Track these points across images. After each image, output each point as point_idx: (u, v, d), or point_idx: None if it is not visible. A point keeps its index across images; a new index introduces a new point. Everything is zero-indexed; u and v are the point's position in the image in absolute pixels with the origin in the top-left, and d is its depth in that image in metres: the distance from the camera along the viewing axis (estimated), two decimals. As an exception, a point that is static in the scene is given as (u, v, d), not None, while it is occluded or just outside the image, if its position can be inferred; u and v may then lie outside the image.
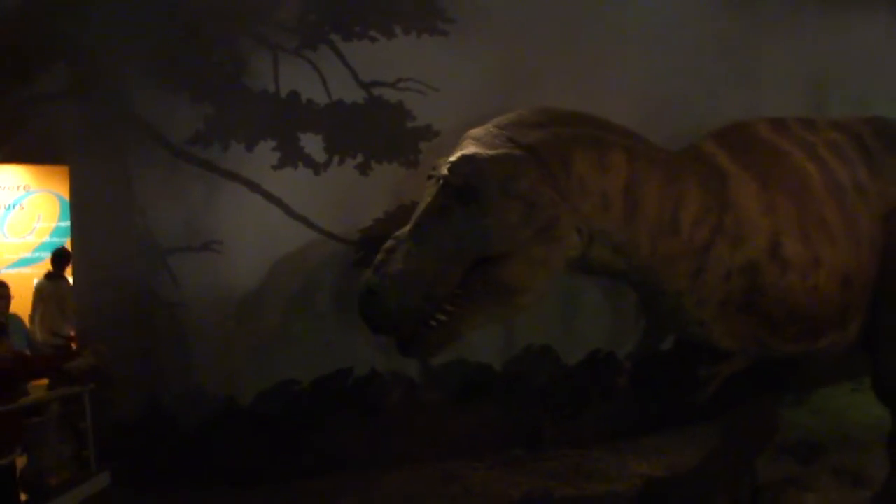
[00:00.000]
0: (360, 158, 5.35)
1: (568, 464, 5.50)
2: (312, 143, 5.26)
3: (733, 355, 4.21)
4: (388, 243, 3.57)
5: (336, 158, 5.30)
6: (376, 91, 5.34)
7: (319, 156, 5.27)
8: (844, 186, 4.27)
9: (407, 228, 3.61)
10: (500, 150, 3.59)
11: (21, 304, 4.96)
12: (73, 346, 4.94)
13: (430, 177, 3.81)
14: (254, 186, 5.15)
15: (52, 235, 5.39)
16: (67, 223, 5.31)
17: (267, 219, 5.20)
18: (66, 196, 5.24)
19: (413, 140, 5.41)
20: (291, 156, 5.21)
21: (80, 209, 4.90)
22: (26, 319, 5.20)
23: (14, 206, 5.32)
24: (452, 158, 3.57)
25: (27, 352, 4.84)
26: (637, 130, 3.83)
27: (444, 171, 3.56)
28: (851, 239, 4.19)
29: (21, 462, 4.47)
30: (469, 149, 3.59)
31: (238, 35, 5.02)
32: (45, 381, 4.88)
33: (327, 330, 5.36)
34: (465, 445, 5.61)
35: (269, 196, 5.18)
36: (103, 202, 4.92)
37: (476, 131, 3.73)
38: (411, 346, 3.69)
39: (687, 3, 6.08)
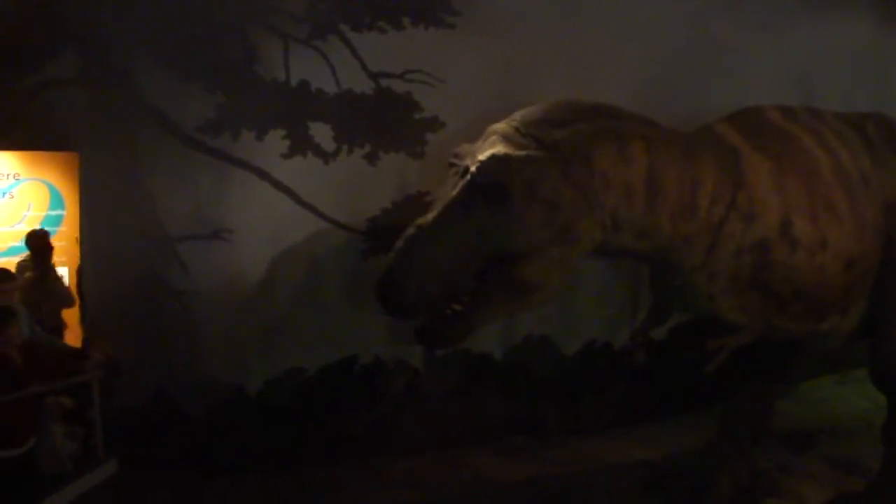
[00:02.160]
0: (367, 148, 5.36)
1: (569, 450, 5.64)
2: (322, 133, 5.25)
3: (739, 330, 4.34)
4: (410, 230, 3.72)
5: (345, 148, 5.31)
6: (384, 82, 5.35)
7: (328, 145, 5.27)
8: (850, 173, 4.46)
9: (429, 217, 3.75)
10: (527, 152, 3.71)
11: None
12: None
13: (451, 164, 3.94)
14: (263, 175, 5.14)
15: (42, 224, 5.32)
16: (58, 212, 5.24)
17: (276, 207, 5.19)
18: (57, 185, 5.18)
19: (420, 131, 5.44)
20: (301, 145, 5.21)
21: (90, 197, 4.84)
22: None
23: (4, 195, 5.25)
24: (482, 157, 3.70)
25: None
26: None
27: (473, 168, 3.68)
28: (856, 223, 4.38)
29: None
30: (498, 148, 3.73)
31: (249, 24, 4.98)
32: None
33: (334, 318, 5.39)
34: (469, 433, 5.70)
35: (278, 185, 5.18)
36: (113, 190, 4.87)
37: (501, 127, 3.87)
38: (431, 337, 3.97)
39: (681, 3, 6.22)
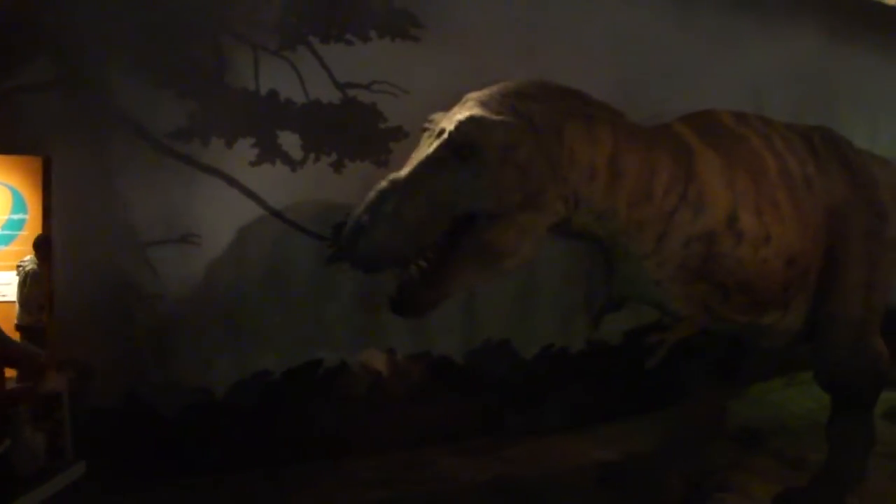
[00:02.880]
0: (334, 156, 5.48)
1: (529, 450, 5.80)
2: (289, 141, 5.36)
3: (679, 323, 4.52)
4: (383, 184, 3.76)
5: (312, 156, 5.42)
6: (351, 92, 5.49)
7: (296, 153, 5.38)
8: (795, 176, 4.71)
9: (402, 173, 3.79)
10: (503, 117, 3.81)
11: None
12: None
13: (424, 129, 4.04)
14: (232, 181, 5.23)
15: (4, 228, 5.35)
16: (20, 216, 5.27)
17: (244, 213, 5.28)
18: (20, 189, 5.21)
19: (384, 140, 5.57)
20: (269, 153, 5.31)
21: (61, 201, 4.88)
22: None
23: (-35, 199, 5.27)
24: (460, 117, 3.77)
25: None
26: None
27: (451, 127, 3.75)
28: (798, 222, 4.62)
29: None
30: (476, 111, 3.82)
31: (221, 34, 5.08)
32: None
33: (300, 322, 5.49)
34: (431, 434, 5.83)
35: (246, 191, 5.27)
36: (85, 195, 4.92)
37: (479, 94, 3.99)
38: (404, 304, 3.89)
39: (639, 17, 6.43)
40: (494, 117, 3.81)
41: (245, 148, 5.26)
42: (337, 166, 5.50)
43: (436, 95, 5.54)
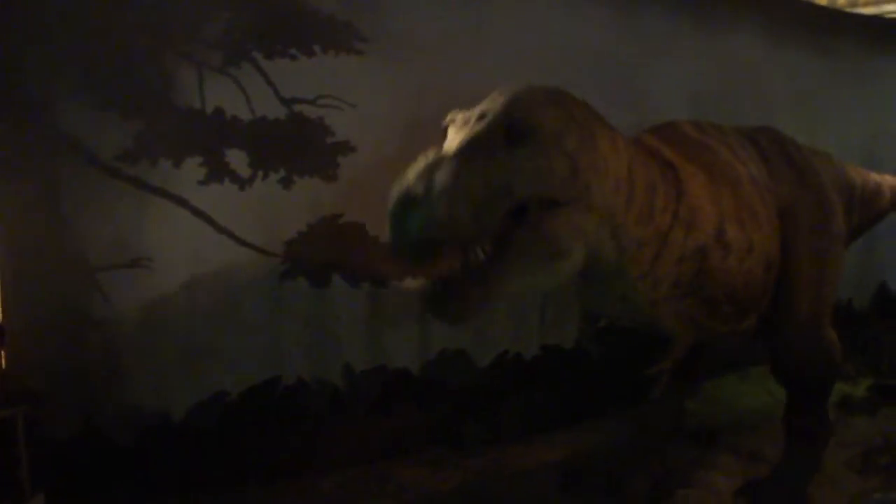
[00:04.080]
0: (282, 173, 5.43)
1: (489, 459, 5.79)
2: (237, 159, 5.30)
3: (671, 348, 4.55)
4: (429, 159, 3.41)
5: (260, 173, 5.37)
6: (297, 107, 5.45)
7: (244, 171, 5.32)
8: (759, 181, 4.75)
9: (448, 151, 3.47)
10: (554, 108, 3.65)
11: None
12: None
13: (447, 128, 3.81)
14: (181, 202, 5.13)
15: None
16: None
17: (194, 234, 5.19)
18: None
19: (332, 155, 5.53)
20: (217, 171, 5.24)
21: (7, 226, 4.78)
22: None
23: None
24: (509, 98, 3.58)
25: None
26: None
27: (500, 107, 3.54)
28: (770, 227, 4.67)
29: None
30: (516, 94, 3.64)
31: (164, 52, 5.01)
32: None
33: (255, 340, 5.44)
34: (391, 447, 5.81)
35: (196, 211, 5.18)
36: (31, 220, 4.81)
37: (513, 87, 3.74)
38: (449, 305, 3.48)
39: (585, 27, 6.51)
40: (544, 100, 3.65)
41: (193, 168, 5.18)
42: (286, 182, 5.45)
43: (382, 108, 5.62)
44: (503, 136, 3.49)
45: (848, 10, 13.90)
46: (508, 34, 6.04)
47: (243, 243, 5.38)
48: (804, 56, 8.12)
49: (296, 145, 5.50)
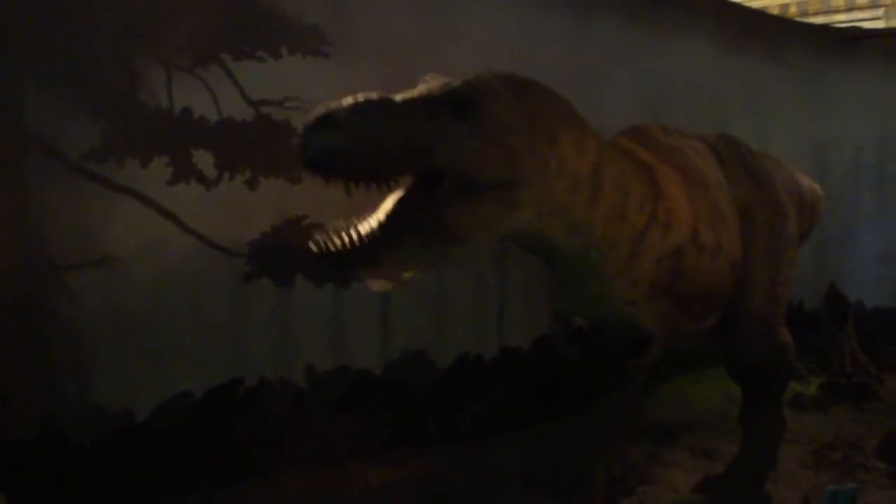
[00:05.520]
0: (248, 174, 5.45)
1: (452, 458, 5.86)
2: (204, 159, 5.31)
3: (647, 352, 4.65)
4: (371, 95, 3.33)
5: (226, 174, 5.38)
6: (264, 109, 5.48)
7: (210, 171, 5.33)
8: (721, 183, 4.89)
9: (393, 97, 3.43)
10: (510, 97, 3.59)
11: None
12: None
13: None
14: (148, 202, 5.12)
15: None
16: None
17: (161, 234, 5.18)
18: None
19: (298, 156, 5.54)
20: (184, 171, 5.24)
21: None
22: None
23: None
24: (477, 76, 3.54)
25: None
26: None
27: (462, 80, 3.49)
28: (735, 228, 4.80)
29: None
30: (482, 76, 3.58)
31: (133, 52, 5.01)
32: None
33: (219, 341, 5.45)
34: (355, 447, 5.84)
35: (162, 211, 5.17)
36: (-3, 219, 4.78)
37: (481, 72, 3.66)
38: (332, 257, 3.36)
39: (545, 33, 6.64)
40: (504, 91, 3.59)
41: (160, 167, 5.17)
42: (251, 183, 5.48)
43: (347, 110, 5.65)
44: (450, 106, 3.43)
45: (799, 19, 14.27)
46: (476, 37, 6.14)
47: (209, 244, 5.39)
48: (756, 63, 8.36)
49: (262, 147, 5.53)
